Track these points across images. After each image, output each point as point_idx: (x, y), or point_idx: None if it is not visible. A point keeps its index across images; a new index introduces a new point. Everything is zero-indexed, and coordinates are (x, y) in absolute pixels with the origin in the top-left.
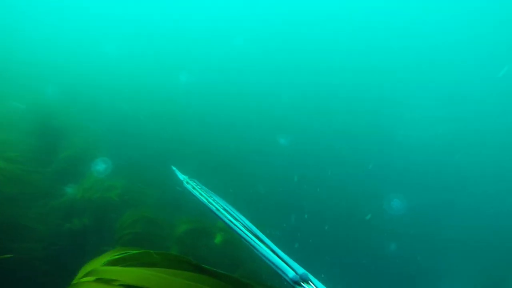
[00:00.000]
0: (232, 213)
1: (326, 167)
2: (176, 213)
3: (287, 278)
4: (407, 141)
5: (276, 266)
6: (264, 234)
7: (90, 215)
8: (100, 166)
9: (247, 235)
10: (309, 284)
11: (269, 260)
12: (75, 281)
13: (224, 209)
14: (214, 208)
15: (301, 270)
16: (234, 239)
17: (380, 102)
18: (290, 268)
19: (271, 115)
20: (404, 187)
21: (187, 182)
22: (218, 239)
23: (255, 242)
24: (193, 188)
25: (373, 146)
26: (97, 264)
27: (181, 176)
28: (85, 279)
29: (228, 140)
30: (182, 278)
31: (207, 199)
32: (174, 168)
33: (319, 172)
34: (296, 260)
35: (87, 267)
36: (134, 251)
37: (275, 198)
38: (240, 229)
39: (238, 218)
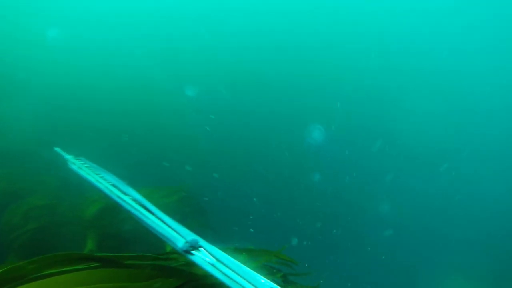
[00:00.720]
0: (121, 188)
1: (236, 115)
2: (82, 194)
3: (177, 248)
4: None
5: (165, 237)
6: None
7: None
8: None
9: (135, 209)
10: (200, 250)
11: (157, 231)
12: None
13: (113, 185)
14: (102, 186)
15: (190, 236)
16: (162, 209)
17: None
18: (180, 235)
19: (175, 67)
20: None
21: (72, 162)
22: None
23: (143, 214)
24: (79, 167)
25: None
26: None
27: (67, 156)
28: None
29: (127, 102)
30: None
31: (94, 178)
32: (57, 149)
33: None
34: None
35: None
36: None
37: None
38: (129, 204)
39: (127, 193)
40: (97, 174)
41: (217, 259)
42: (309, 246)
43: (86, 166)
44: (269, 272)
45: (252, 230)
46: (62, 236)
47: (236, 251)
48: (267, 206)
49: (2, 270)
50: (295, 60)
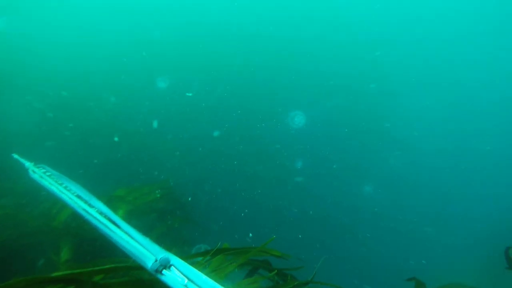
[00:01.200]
0: (87, 199)
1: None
2: (51, 199)
3: (146, 268)
4: None
5: (133, 254)
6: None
7: None
8: None
9: (101, 223)
10: (172, 268)
11: (125, 247)
12: None
13: (78, 196)
14: (66, 197)
15: (160, 254)
16: (137, 209)
17: None
18: (150, 252)
19: (148, 59)
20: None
21: (33, 171)
22: (120, 212)
23: (109, 229)
24: (40, 177)
25: None
26: None
27: (26, 164)
28: None
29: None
30: None
31: (57, 188)
32: (15, 155)
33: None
34: None
35: None
36: None
37: None
38: (94, 217)
39: (93, 205)
40: (60, 184)
41: (190, 280)
42: (300, 238)
43: (48, 175)
44: (256, 266)
45: (251, 235)
46: (32, 248)
47: (223, 251)
48: (251, 199)
49: None
50: (282, 52)
